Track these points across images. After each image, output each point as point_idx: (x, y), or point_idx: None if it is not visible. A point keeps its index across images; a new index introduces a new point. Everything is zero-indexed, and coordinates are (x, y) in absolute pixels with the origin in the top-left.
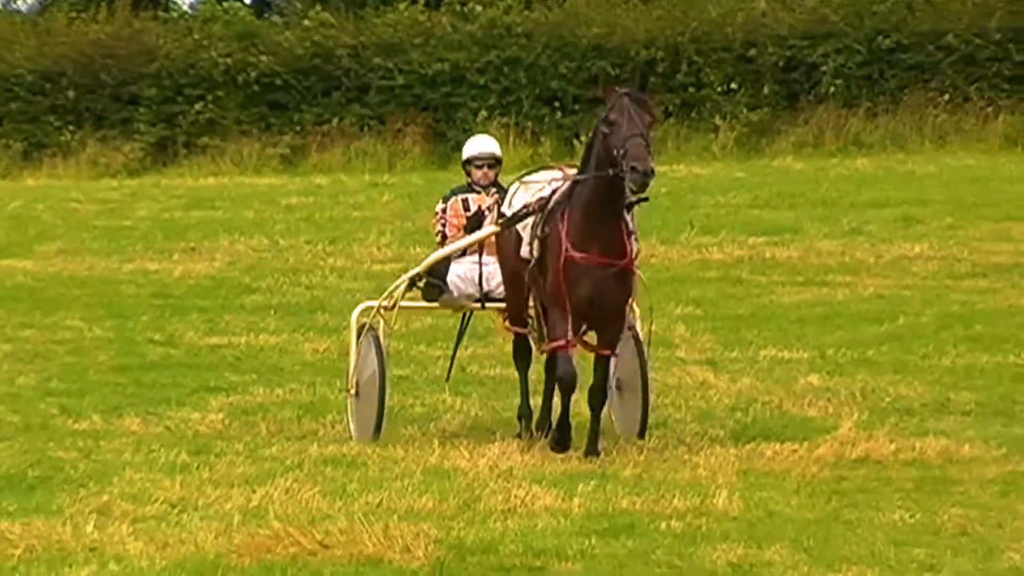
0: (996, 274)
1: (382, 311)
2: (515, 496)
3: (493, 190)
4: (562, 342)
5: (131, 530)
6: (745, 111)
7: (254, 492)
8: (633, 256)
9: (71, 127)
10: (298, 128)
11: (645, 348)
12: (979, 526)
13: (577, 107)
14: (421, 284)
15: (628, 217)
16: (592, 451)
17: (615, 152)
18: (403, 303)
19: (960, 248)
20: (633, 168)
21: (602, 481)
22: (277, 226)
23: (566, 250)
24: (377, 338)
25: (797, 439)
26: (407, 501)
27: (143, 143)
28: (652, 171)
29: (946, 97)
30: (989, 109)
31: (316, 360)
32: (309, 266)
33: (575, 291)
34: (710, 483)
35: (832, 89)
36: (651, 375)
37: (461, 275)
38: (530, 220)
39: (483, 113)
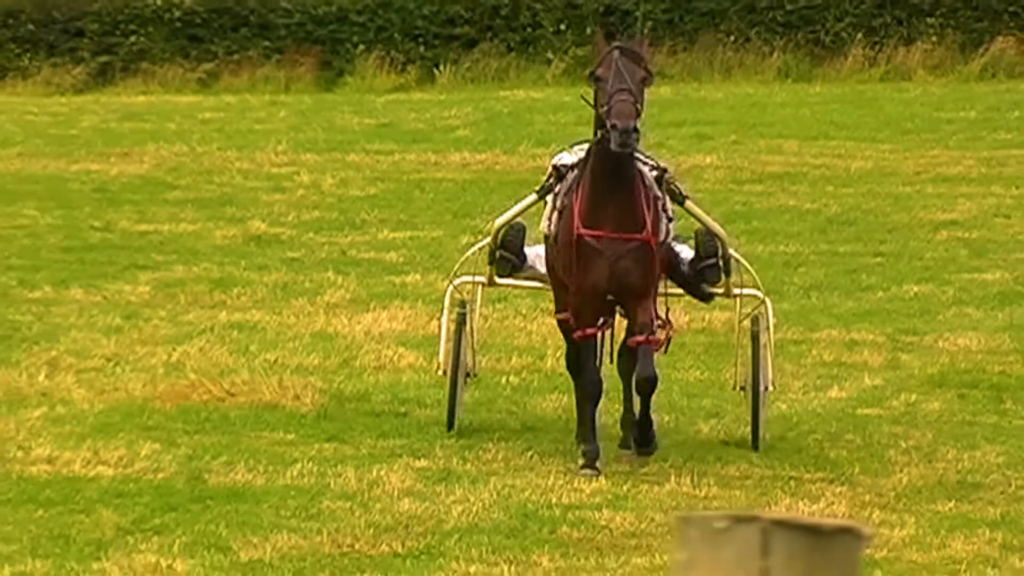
0: (770, 180)
1: (461, 287)
2: (385, 356)
3: None
4: (590, 330)
5: (75, 380)
6: (573, 48)
7: (174, 350)
8: (656, 231)
9: (29, 54)
10: (212, 57)
11: (767, 351)
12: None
13: (437, 42)
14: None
15: (658, 191)
16: (644, 444)
17: (601, 110)
18: (501, 280)
19: (742, 159)
20: (613, 126)
21: None
22: (194, 136)
23: (576, 228)
24: (463, 319)
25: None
26: (298, 359)
27: (87, 68)
28: (635, 128)
29: (732, 38)
30: (766, 48)
31: (225, 244)
32: (220, 168)
33: (589, 274)
34: (542, 347)
35: (645, 30)
36: (768, 382)
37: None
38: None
39: (361, 47)
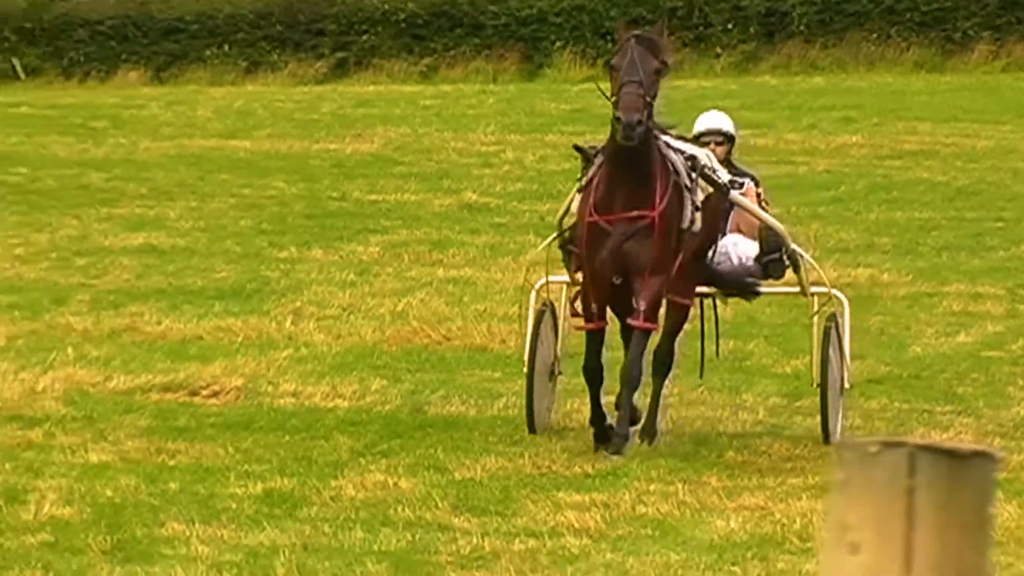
0: (907, 157)
1: (545, 287)
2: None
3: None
4: (592, 323)
5: (316, 326)
6: (738, 44)
7: (400, 301)
8: (670, 215)
9: (277, 51)
10: (432, 53)
11: (837, 344)
12: (892, 328)
13: None
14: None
15: (687, 179)
16: (619, 437)
17: (612, 100)
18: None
19: (883, 139)
20: (618, 118)
21: None
22: (417, 119)
23: (589, 212)
24: (541, 320)
25: None
26: (504, 308)
27: (327, 62)
28: (638, 122)
29: (875, 35)
30: (904, 44)
31: (442, 211)
32: (438, 147)
33: (596, 256)
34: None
35: (801, 28)
36: (843, 377)
37: None
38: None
39: (558, 43)
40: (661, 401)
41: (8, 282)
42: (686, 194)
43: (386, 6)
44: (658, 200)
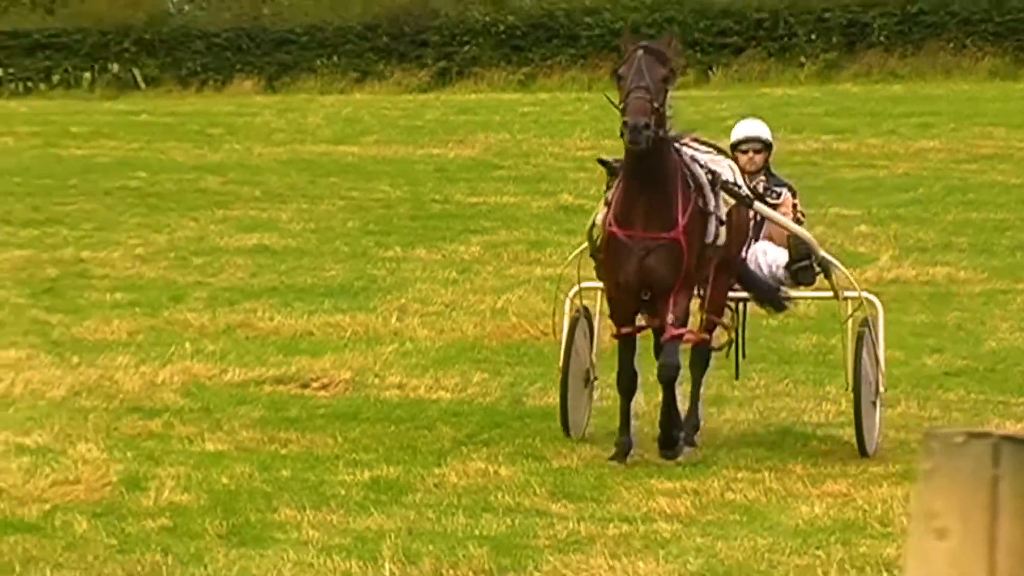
0: (983, 160)
1: (583, 294)
2: None
3: (761, 177)
4: (625, 329)
5: (420, 321)
6: (821, 53)
7: (499, 297)
8: (692, 232)
9: (384, 61)
10: (530, 62)
11: (872, 347)
12: (969, 324)
13: (711, 49)
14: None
15: (709, 193)
16: (667, 445)
17: (620, 107)
18: None
19: (959, 143)
20: (625, 123)
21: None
22: (515, 126)
23: (609, 225)
24: (575, 327)
25: (852, 266)
26: (599, 305)
27: (430, 72)
28: (644, 125)
29: (951, 45)
30: (979, 53)
31: (539, 213)
32: (536, 152)
33: (619, 270)
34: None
35: (881, 39)
36: (878, 381)
37: None
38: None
39: None
40: (702, 392)
41: (129, 280)
42: (710, 209)
43: (487, 18)
44: (680, 218)
